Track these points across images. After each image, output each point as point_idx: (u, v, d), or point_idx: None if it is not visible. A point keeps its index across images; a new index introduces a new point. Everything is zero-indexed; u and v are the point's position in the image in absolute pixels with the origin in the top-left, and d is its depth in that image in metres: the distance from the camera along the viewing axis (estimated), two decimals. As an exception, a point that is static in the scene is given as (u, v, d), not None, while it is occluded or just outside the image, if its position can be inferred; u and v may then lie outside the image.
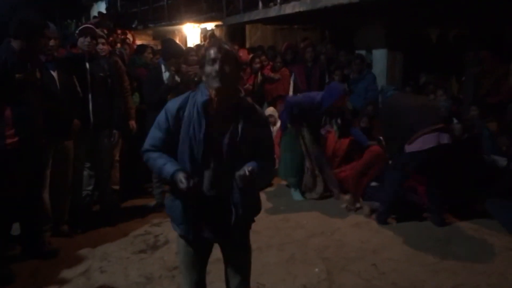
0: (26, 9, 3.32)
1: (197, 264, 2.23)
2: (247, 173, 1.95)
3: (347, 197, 4.73)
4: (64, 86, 3.64)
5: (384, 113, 4.36)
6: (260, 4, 7.78)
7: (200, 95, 2.04)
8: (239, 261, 2.31)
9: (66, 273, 3.27)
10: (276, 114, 6.12)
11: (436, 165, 3.95)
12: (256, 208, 2.26)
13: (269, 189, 5.26)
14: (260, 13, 7.84)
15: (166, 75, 4.37)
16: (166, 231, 4.00)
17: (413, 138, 3.85)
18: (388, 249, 3.64)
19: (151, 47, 5.83)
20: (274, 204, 4.77)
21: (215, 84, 1.97)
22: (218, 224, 2.10)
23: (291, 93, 6.62)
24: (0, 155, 3.04)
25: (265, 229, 4.06)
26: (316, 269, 3.31)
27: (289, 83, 6.65)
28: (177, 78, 4.34)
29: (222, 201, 2.06)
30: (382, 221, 4.15)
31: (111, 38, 6.61)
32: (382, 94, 5.58)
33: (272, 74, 6.59)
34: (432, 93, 5.42)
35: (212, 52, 1.99)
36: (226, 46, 2.03)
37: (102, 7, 16.29)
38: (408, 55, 6.72)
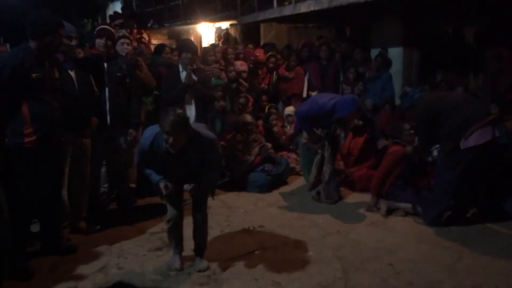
0: (41, 9, 3.33)
1: (174, 207, 3.30)
2: (192, 190, 3.12)
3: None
4: (81, 85, 3.69)
5: (424, 112, 4.10)
6: (275, 2, 7.76)
7: (161, 142, 2.91)
8: (198, 216, 3.33)
9: (84, 269, 3.32)
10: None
11: (489, 161, 3.83)
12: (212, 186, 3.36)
13: (284, 187, 5.27)
14: (274, 11, 7.82)
15: (183, 74, 4.40)
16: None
17: (468, 133, 3.72)
18: (404, 249, 3.61)
19: (169, 47, 5.87)
20: (289, 202, 4.78)
21: (172, 150, 2.87)
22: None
23: (305, 91, 6.61)
24: (19, 153, 3.09)
25: (280, 227, 4.07)
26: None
27: (304, 82, 6.65)
28: (194, 77, 4.37)
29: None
30: (436, 223, 4.00)
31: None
32: (407, 97, 5.54)
33: (286, 73, 6.60)
34: (450, 91, 5.35)
35: (166, 125, 2.80)
36: (177, 118, 2.80)
37: (117, 7, 16.41)
38: (424, 53, 6.65)
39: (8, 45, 8.21)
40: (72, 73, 3.65)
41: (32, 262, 3.33)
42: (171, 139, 2.82)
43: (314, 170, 4.78)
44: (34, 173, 3.17)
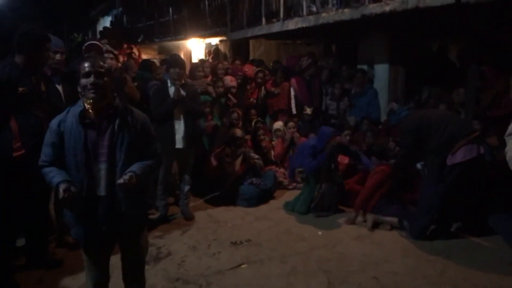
0: (28, 23, 3.32)
1: (98, 264, 2.44)
2: (125, 180, 2.19)
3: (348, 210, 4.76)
4: (69, 99, 3.69)
5: (410, 128, 4.17)
6: (264, 20, 7.89)
7: (77, 107, 2.30)
8: (131, 260, 2.52)
9: (69, 284, 3.31)
10: (283, 129, 6.19)
11: (473, 177, 3.93)
12: (142, 205, 2.49)
13: (272, 201, 5.30)
14: (263, 28, 7.94)
15: (172, 89, 4.45)
16: (169, 243, 4.04)
17: (455, 149, 3.82)
18: (389, 262, 3.66)
19: (155, 62, 5.95)
20: (277, 216, 4.81)
21: (90, 95, 2.24)
22: (108, 223, 2.30)
23: (293, 106, 6.69)
24: (8, 167, 3.08)
25: (267, 241, 4.09)
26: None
27: (290, 97, 6.74)
28: (183, 92, 4.42)
29: (108, 200, 2.28)
30: (421, 236, 4.06)
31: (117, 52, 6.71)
32: (394, 114, 5.66)
33: (272, 89, 6.69)
34: (433, 108, 5.47)
35: (86, 66, 2.25)
36: (99, 61, 2.29)
37: (108, 22, 16.51)
38: (410, 70, 6.78)
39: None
40: (59, 87, 3.66)
41: (18, 276, 3.31)
42: (91, 78, 2.22)
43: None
44: (22, 186, 3.16)
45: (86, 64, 2.25)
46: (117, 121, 2.29)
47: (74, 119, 2.26)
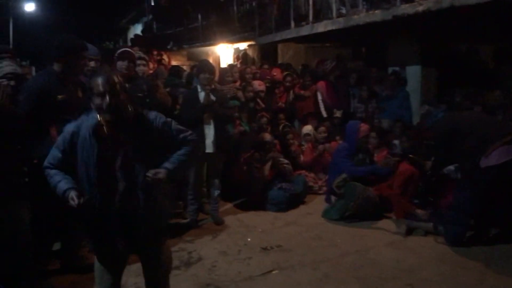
0: (65, 33, 3.46)
1: (108, 273, 2.38)
2: (155, 174, 2.15)
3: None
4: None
5: (443, 131, 4.10)
6: (292, 23, 7.87)
7: (91, 120, 2.19)
8: (152, 272, 2.46)
9: (102, 288, 3.35)
10: (312, 132, 6.13)
11: (507, 181, 3.78)
12: (161, 220, 2.38)
13: (302, 206, 5.25)
14: (292, 32, 7.92)
15: (202, 94, 4.48)
16: (199, 248, 4.04)
17: (489, 151, 3.69)
18: (424, 269, 3.54)
19: (182, 69, 6.02)
20: (307, 221, 4.75)
21: (107, 117, 2.13)
22: (126, 237, 2.23)
23: (323, 110, 6.63)
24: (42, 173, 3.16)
25: (297, 247, 4.04)
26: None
27: (318, 101, 6.69)
28: (212, 97, 4.44)
29: (127, 216, 2.20)
30: (457, 242, 3.93)
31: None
32: (430, 117, 5.53)
33: (302, 92, 6.65)
34: (468, 109, 5.30)
35: (100, 84, 2.11)
36: (114, 77, 2.17)
37: (138, 29, 16.84)
38: (442, 71, 6.62)
39: (33, 68, 8.48)
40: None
41: (52, 280, 3.38)
42: (107, 99, 2.09)
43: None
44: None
45: (99, 81, 2.12)
46: (128, 134, 2.19)
47: (88, 132, 2.18)
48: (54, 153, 2.28)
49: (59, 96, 3.15)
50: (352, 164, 4.74)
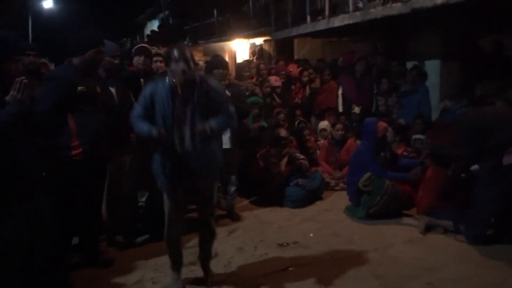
0: (84, 28, 3.56)
1: (176, 209, 3.07)
2: (204, 127, 2.81)
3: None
4: (122, 101, 3.79)
5: (467, 128, 4.00)
6: (308, 18, 7.79)
7: (165, 80, 2.86)
8: (204, 210, 3.18)
9: (120, 282, 3.38)
10: (329, 128, 6.07)
11: None
12: (214, 163, 3.03)
13: (319, 203, 5.20)
14: (308, 27, 7.85)
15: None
16: (216, 244, 4.00)
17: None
18: (445, 268, 3.47)
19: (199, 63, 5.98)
20: (325, 218, 4.71)
21: (181, 79, 2.77)
22: (187, 173, 2.91)
23: (340, 105, 6.56)
24: (67, 167, 3.19)
25: (315, 244, 4.00)
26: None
27: (337, 96, 6.61)
28: (228, 93, 4.41)
29: (190, 155, 2.86)
30: (478, 241, 3.84)
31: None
32: (449, 113, 5.42)
33: (312, 85, 6.60)
34: (490, 104, 5.17)
35: (176, 53, 2.77)
36: (186, 49, 2.83)
37: (155, 25, 16.92)
38: (463, 65, 6.47)
39: (53, 64, 8.58)
40: (113, 90, 3.76)
41: (71, 274, 3.41)
42: (181, 63, 2.74)
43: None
44: (80, 186, 3.28)
45: (176, 51, 2.77)
46: (195, 93, 2.83)
47: (165, 90, 2.83)
48: (138, 109, 2.93)
49: (79, 88, 3.21)
50: (380, 167, 4.64)
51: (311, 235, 4.21)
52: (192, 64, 2.82)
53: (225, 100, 3.03)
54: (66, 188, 3.22)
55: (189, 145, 2.85)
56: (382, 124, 4.76)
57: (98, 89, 3.40)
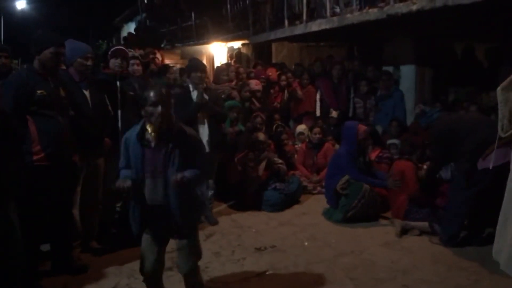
0: (42, 29, 3.40)
1: (151, 253, 2.71)
2: (177, 178, 2.50)
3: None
4: (96, 105, 3.71)
5: (441, 132, 4.07)
6: (286, 22, 7.84)
7: (140, 127, 2.60)
8: (186, 258, 2.77)
9: (94, 289, 3.31)
10: (306, 132, 6.10)
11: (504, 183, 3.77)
12: (194, 211, 2.78)
13: (296, 206, 5.22)
14: (286, 31, 7.89)
15: (194, 93, 4.43)
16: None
17: (487, 152, 3.66)
18: (419, 270, 3.53)
19: (171, 67, 5.93)
20: (302, 222, 4.72)
21: (157, 123, 2.51)
22: (164, 225, 2.67)
23: (318, 110, 6.61)
24: (29, 172, 3.08)
25: (292, 248, 4.01)
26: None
27: (315, 100, 6.66)
28: (206, 96, 4.39)
29: (164, 208, 2.62)
30: (452, 243, 3.92)
31: (148, 59, 6.71)
32: (425, 117, 5.52)
33: (299, 92, 6.62)
34: (464, 109, 5.30)
35: (152, 96, 2.51)
36: (163, 90, 2.58)
37: (132, 28, 16.74)
38: (436, 71, 6.61)
39: (24, 66, 8.40)
40: (86, 93, 3.66)
41: (43, 281, 3.32)
42: (159, 108, 2.48)
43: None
44: (44, 191, 3.18)
45: (152, 94, 2.52)
46: (170, 144, 2.57)
47: (136, 137, 2.59)
48: (121, 159, 2.72)
49: (39, 91, 3.11)
50: (359, 172, 4.68)
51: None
52: (170, 109, 2.59)
53: (202, 155, 2.77)
54: (30, 195, 3.11)
55: (162, 197, 2.61)
56: (362, 127, 4.80)
57: (62, 92, 3.30)
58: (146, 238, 2.72)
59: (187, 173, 2.55)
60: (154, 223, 2.68)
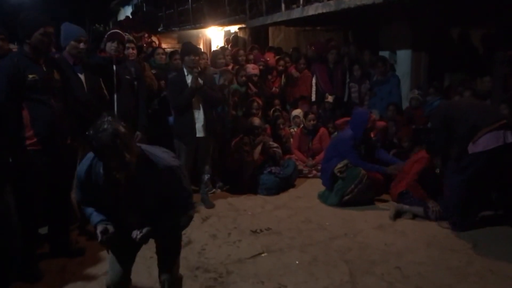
0: (26, 11, 3.26)
1: (120, 263, 2.41)
2: (137, 235, 2.21)
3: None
4: (91, 88, 3.69)
5: (439, 119, 4.10)
6: (283, 6, 7.77)
7: (101, 171, 2.16)
8: (167, 278, 2.44)
9: (92, 271, 3.35)
10: (301, 116, 6.11)
11: (498, 167, 3.79)
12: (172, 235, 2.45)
13: (292, 190, 5.27)
14: (283, 15, 7.83)
15: (189, 78, 4.42)
16: (189, 232, 4.04)
17: (476, 137, 3.69)
18: (412, 252, 3.59)
19: (163, 49, 5.85)
20: (297, 205, 4.77)
21: (118, 175, 2.05)
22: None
23: (313, 95, 6.61)
24: (23, 157, 3.09)
25: (287, 230, 4.06)
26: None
27: (311, 85, 6.65)
28: (201, 81, 4.38)
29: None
30: (463, 228, 3.92)
31: (141, 43, 6.65)
32: (427, 105, 5.52)
33: (293, 71, 6.60)
34: (458, 95, 5.31)
35: (114, 166, 2.03)
36: (121, 129, 2.03)
37: (128, 12, 16.58)
38: (432, 56, 6.59)
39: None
40: (81, 77, 3.65)
41: (41, 264, 3.37)
42: (117, 158, 2.01)
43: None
44: (40, 175, 3.18)
45: (113, 165, 2.04)
46: (136, 181, 2.14)
47: (100, 177, 2.18)
48: (79, 193, 2.36)
49: (30, 76, 3.05)
50: (358, 157, 4.69)
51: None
52: (133, 143, 2.12)
53: (182, 188, 2.31)
54: (26, 179, 3.11)
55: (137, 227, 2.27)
56: (373, 116, 4.83)
57: (57, 76, 3.25)
58: (111, 258, 2.43)
59: (159, 226, 2.26)
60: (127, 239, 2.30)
